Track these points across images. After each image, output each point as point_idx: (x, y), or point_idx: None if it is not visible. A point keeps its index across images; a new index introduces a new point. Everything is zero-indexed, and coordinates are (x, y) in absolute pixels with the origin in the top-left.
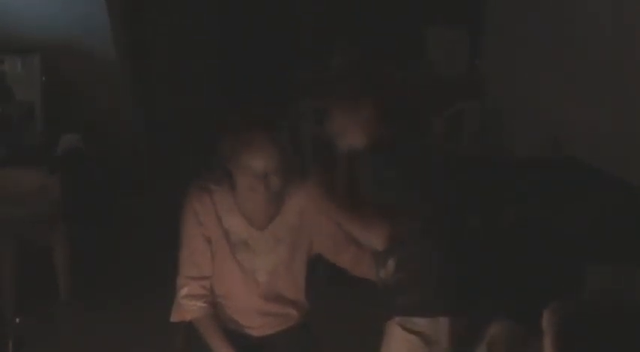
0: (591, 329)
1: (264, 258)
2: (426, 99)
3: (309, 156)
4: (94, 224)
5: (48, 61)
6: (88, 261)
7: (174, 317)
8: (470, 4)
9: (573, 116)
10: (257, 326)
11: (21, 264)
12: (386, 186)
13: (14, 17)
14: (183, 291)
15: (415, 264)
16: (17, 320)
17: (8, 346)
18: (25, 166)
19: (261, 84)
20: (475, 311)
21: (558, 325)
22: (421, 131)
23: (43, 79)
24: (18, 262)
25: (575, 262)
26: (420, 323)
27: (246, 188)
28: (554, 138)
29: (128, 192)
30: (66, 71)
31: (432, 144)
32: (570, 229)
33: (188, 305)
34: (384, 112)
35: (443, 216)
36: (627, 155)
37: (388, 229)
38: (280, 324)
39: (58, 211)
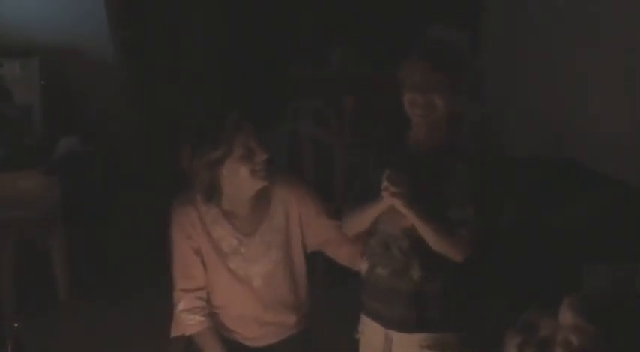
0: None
1: (257, 263)
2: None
3: (309, 156)
4: (93, 225)
5: (47, 64)
6: (87, 262)
7: (175, 332)
8: (469, 5)
9: (572, 117)
10: (256, 336)
11: (20, 265)
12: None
13: (13, 21)
14: (181, 305)
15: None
16: (16, 324)
17: (7, 347)
18: (24, 168)
19: (260, 84)
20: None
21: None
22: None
23: (42, 82)
24: (17, 263)
25: (573, 262)
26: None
27: (247, 176)
28: (555, 136)
29: (127, 193)
30: (65, 74)
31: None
32: (569, 229)
33: (187, 320)
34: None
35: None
36: (627, 156)
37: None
38: (280, 334)
39: (57, 213)
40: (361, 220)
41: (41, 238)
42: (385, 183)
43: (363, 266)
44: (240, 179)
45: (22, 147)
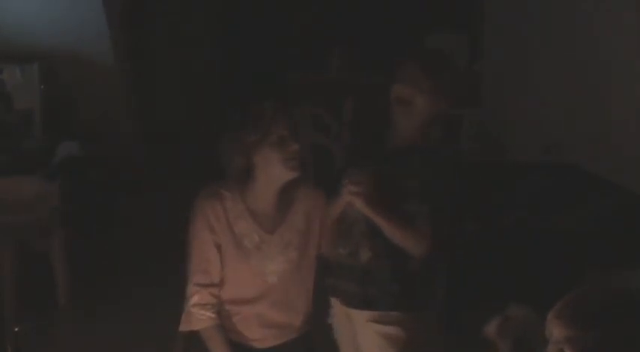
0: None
1: (274, 261)
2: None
3: (308, 161)
4: (93, 229)
5: (47, 69)
6: (87, 262)
7: (184, 327)
8: (469, 10)
9: (572, 121)
10: (260, 337)
11: (20, 269)
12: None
13: (13, 26)
14: (194, 299)
15: None
16: (16, 329)
17: (7, 348)
18: (24, 173)
19: (260, 87)
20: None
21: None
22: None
23: (42, 87)
24: (17, 268)
25: (573, 266)
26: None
27: (279, 164)
28: (555, 141)
29: (127, 192)
30: (64, 79)
31: (431, 148)
32: (569, 233)
33: (198, 315)
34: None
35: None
36: (628, 161)
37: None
38: (283, 336)
39: (57, 217)
40: (328, 213)
41: (41, 242)
42: (346, 182)
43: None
44: (272, 166)
45: (22, 152)
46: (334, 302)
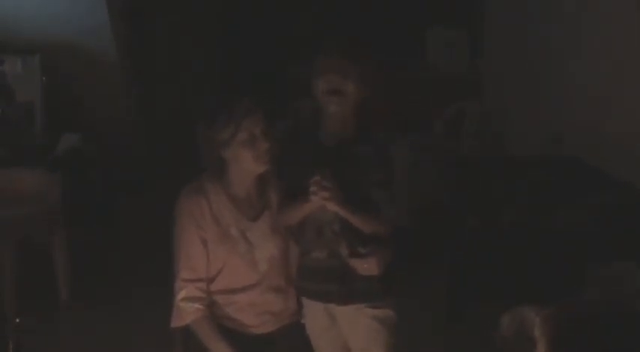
0: (590, 331)
1: (262, 248)
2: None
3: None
4: (94, 224)
5: (48, 61)
6: (87, 261)
7: (175, 322)
8: (470, 4)
9: (573, 116)
10: (256, 323)
11: (21, 264)
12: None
13: (14, 18)
14: (181, 294)
15: None
16: (17, 320)
17: (8, 347)
18: (24, 166)
19: (260, 83)
20: None
21: (553, 331)
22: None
23: (43, 79)
24: (18, 262)
25: (574, 262)
26: None
27: (250, 161)
28: (555, 134)
29: (127, 191)
30: (66, 71)
31: (432, 143)
32: (570, 229)
33: (186, 308)
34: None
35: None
36: (629, 155)
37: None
38: (278, 322)
39: (58, 211)
40: (293, 216)
41: (42, 237)
42: (314, 189)
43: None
44: (242, 163)
45: (23, 145)
46: (308, 302)
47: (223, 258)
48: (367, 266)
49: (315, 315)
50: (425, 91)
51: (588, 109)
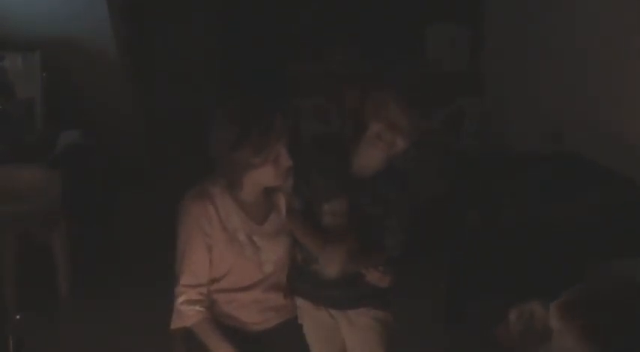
0: (612, 308)
1: (269, 251)
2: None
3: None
4: (94, 221)
5: (48, 57)
6: (88, 258)
7: (175, 324)
8: (471, 1)
9: (573, 113)
10: (258, 321)
11: (21, 261)
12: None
13: (14, 14)
14: (181, 298)
15: None
16: (18, 316)
17: (8, 344)
18: (25, 163)
19: (261, 81)
20: None
21: (576, 316)
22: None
23: (44, 75)
24: (18, 259)
25: (576, 258)
26: None
27: (270, 178)
28: (555, 131)
29: (128, 188)
30: (66, 67)
31: (433, 140)
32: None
33: (186, 310)
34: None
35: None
36: (630, 151)
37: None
38: (279, 318)
39: (59, 208)
40: (297, 234)
41: (42, 233)
42: (326, 208)
43: (298, 257)
44: (262, 178)
45: (23, 141)
46: (305, 303)
47: (230, 262)
48: (380, 278)
49: (314, 315)
50: (425, 88)
51: (588, 106)
